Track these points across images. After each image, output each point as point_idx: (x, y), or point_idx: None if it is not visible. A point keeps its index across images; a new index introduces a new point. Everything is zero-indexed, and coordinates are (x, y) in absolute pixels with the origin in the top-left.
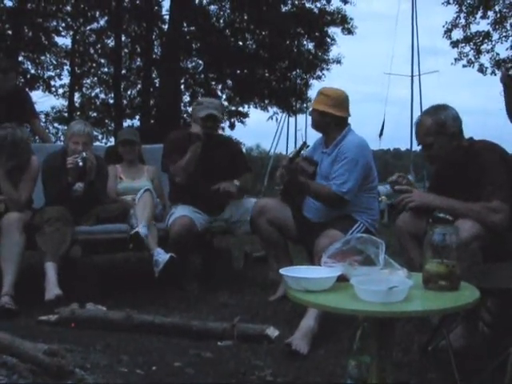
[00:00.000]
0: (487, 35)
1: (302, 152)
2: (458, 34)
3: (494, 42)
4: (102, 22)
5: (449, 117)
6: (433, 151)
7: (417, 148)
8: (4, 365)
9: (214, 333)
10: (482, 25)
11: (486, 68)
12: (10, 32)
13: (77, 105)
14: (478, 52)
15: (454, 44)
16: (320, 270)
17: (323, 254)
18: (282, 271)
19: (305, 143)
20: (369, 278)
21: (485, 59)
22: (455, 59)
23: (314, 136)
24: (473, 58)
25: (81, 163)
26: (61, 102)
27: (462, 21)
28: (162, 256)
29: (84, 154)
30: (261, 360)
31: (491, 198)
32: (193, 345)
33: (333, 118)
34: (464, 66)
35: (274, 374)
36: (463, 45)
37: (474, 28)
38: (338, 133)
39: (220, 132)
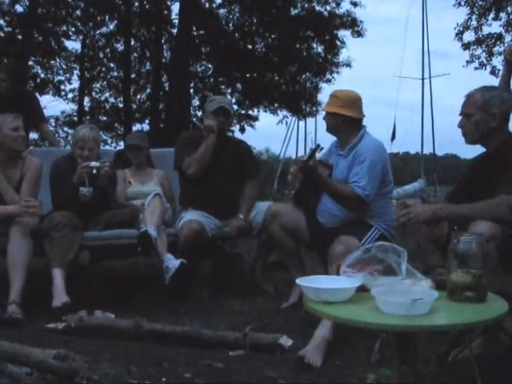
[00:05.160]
0: (499, 37)
1: (317, 154)
2: (469, 37)
3: (506, 44)
4: (111, 27)
5: (497, 97)
6: (469, 124)
7: (427, 152)
8: (6, 376)
9: (225, 342)
10: (494, 26)
11: (499, 70)
12: (20, 37)
13: (86, 109)
14: (490, 54)
15: (466, 46)
16: (339, 280)
17: (342, 263)
18: (299, 281)
19: (318, 145)
20: (390, 288)
21: (497, 61)
22: (467, 62)
23: (323, 140)
24: (485, 61)
25: (94, 171)
26: (70, 107)
27: (474, 23)
28: (172, 262)
29: (98, 163)
30: (274, 370)
31: (499, 192)
32: (204, 354)
33: (343, 119)
34: (476, 68)
35: None
36: (475, 47)
37: (485, 30)
38: (353, 134)
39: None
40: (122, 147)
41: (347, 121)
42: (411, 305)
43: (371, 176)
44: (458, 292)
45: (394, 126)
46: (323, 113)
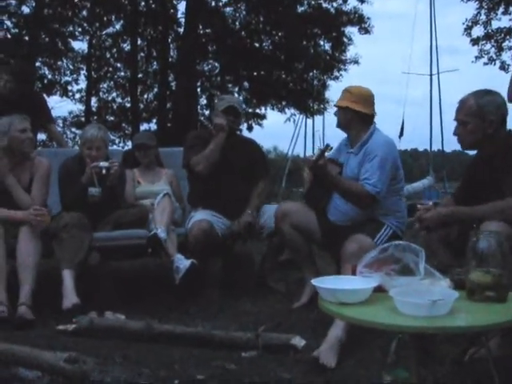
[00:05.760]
0: (509, 31)
1: (326, 153)
2: (478, 31)
3: None
4: (117, 26)
5: (492, 103)
6: (465, 131)
7: (435, 148)
8: (18, 379)
9: (237, 343)
10: (503, 21)
11: (508, 65)
12: (27, 38)
13: (94, 109)
14: (500, 49)
15: (475, 41)
16: (355, 281)
17: (358, 263)
18: (315, 282)
19: (328, 145)
20: (409, 289)
21: (506, 56)
22: (476, 57)
23: (331, 138)
24: (494, 56)
25: (103, 171)
26: (78, 107)
27: (483, 17)
28: (182, 262)
29: (107, 163)
30: (287, 372)
31: (505, 194)
32: (216, 356)
33: (355, 114)
34: (485, 63)
35: None
36: (484, 42)
37: (495, 24)
38: (363, 131)
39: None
40: (130, 147)
41: (359, 116)
42: (431, 306)
43: (382, 173)
44: (477, 292)
45: (403, 122)
46: (332, 109)
